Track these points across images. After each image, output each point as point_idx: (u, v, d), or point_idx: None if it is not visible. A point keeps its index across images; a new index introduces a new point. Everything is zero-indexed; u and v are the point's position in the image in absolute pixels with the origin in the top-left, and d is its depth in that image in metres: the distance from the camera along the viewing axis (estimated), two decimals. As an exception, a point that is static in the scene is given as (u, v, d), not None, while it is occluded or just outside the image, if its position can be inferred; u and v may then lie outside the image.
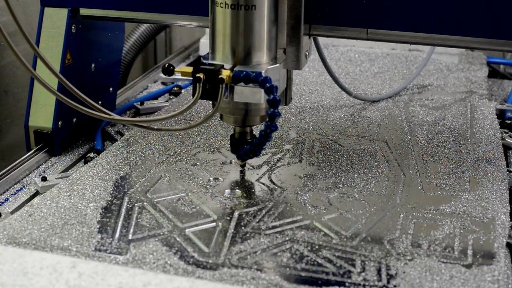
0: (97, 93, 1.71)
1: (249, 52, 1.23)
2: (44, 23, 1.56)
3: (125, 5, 1.51)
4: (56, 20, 1.55)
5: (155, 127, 1.29)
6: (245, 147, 1.32)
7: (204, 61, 1.24)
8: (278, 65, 1.26)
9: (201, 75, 1.18)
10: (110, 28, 1.73)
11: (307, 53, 1.36)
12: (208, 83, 1.18)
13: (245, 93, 1.21)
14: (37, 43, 1.55)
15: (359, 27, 1.36)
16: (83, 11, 1.56)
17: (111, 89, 1.78)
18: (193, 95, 1.19)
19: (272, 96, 1.18)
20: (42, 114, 1.54)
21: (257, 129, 1.35)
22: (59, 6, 1.55)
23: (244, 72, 1.19)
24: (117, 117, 1.24)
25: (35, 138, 1.55)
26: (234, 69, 1.21)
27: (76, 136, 1.63)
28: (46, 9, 1.56)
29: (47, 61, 1.15)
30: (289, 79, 1.36)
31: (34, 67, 1.52)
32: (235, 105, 1.27)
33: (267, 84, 1.18)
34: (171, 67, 1.22)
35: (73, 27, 1.56)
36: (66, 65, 1.55)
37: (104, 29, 1.71)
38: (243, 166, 1.40)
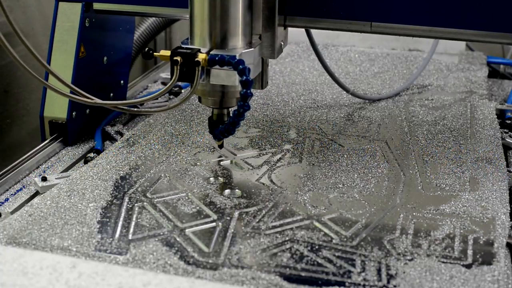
0: (109, 85, 1.77)
1: (224, 37, 1.29)
2: (59, 17, 1.61)
3: (137, 0, 1.56)
4: (70, 14, 1.60)
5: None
6: (220, 126, 1.36)
7: (182, 45, 1.29)
8: (252, 49, 1.31)
9: (178, 58, 1.23)
10: (122, 22, 1.78)
11: (282, 43, 1.41)
12: (185, 66, 1.24)
13: (221, 76, 1.26)
14: (52, 37, 1.60)
15: (349, 20, 1.40)
16: (96, 6, 1.61)
17: (122, 82, 1.83)
18: (171, 78, 1.24)
19: (244, 77, 1.23)
20: (57, 105, 1.60)
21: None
22: (73, 1, 1.60)
23: (219, 55, 1.24)
24: (99, 101, 1.28)
25: (50, 128, 1.60)
26: (210, 52, 1.26)
27: (89, 126, 1.67)
28: (61, 4, 1.61)
29: (30, 46, 1.17)
30: (264, 64, 1.41)
31: (49, 62, 1.59)
32: (212, 87, 1.32)
33: (240, 66, 1.23)
34: (151, 51, 1.28)
35: (86, 21, 1.60)
36: (80, 58, 1.60)
37: (116, 23, 1.76)
38: (220, 146, 1.43)
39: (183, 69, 1.24)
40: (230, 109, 1.38)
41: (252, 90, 1.25)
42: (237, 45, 1.30)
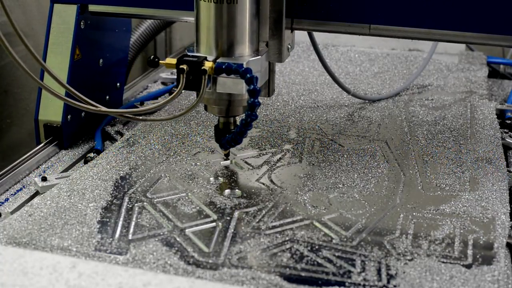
0: (104, 88, 1.75)
1: (231, 45, 1.28)
2: (54, 19, 1.59)
3: (133, 2, 1.55)
4: (66, 16, 1.58)
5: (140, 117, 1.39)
6: (227, 136, 1.35)
7: (189, 53, 1.28)
8: (259, 57, 1.30)
9: (184, 67, 1.22)
10: (118, 24, 1.77)
11: (289, 47, 1.40)
12: (192, 74, 1.23)
13: (228, 84, 1.26)
14: (47, 39, 1.59)
15: (348, 22, 1.39)
16: (92, 8, 1.60)
17: (118, 84, 1.81)
18: (177, 86, 1.23)
19: (252, 86, 1.22)
20: (52, 108, 1.58)
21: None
22: (69, 2, 1.59)
23: (226, 64, 1.23)
24: (104, 108, 1.27)
25: (45, 131, 1.59)
26: (217, 61, 1.25)
27: (84, 129, 1.66)
28: (56, 6, 1.59)
29: (30, 46, 1.17)
30: (271, 71, 1.40)
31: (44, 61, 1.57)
32: (219, 95, 1.31)
33: (248, 75, 1.22)
34: (156, 59, 1.27)
35: (82, 23, 1.59)
36: (76, 60, 1.58)
37: (112, 25, 1.75)
38: (227, 155, 1.43)
39: (189, 78, 1.23)
40: (236, 117, 1.37)
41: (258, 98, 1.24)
42: (244, 53, 1.29)
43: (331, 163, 1.45)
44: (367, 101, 1.84)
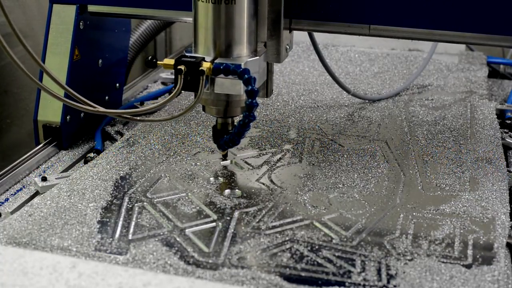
0: (104, 89, 1.75)
1: (229, 45, 1.28)
2: (53, 19, 1.59)
3: (132, 2, 1.55)
4: (65, 16, 1.58)
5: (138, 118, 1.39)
6: (224, 136, 1.35)
7: (187, 54, 1.28)
8: (257, 57, 1.30)
9: (182, 67, 1.22)
10: (117, 24, 1.77)
11: (287, 47, 1.40)
12: (189, 75, 1.23)
13: (225, 85, 1.25)
14: (46, 39, 1.59)
15: (348, 22, 1.40)
16: (91, 8, 1.60)
17: (117, 85, 1.81)
18: (175, 87, 1.23)
19: (250, 87, 1.22)
20: (51, 109, 1.58)
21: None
22: (68, 3, 1.58)
23: (224, 64, 1.23)
24: (102, 109, 1.27)
25: (44, 132, 1.58)
26: (215, 61, 1.25)
27: (84, 130, 1.66)
28: (55, 6, 1.59)
29: (29, 48, 1.17)
30: (269, 72, 1.40)
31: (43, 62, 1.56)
32: (217, 96, 1.31)
33: (246, 76, 1.22)
34: (154, 60, 1.27)
35: (81, 24, 1.59)
36: (75, 61, 1.58)
37: (112, 26, 1.74)
38: (224, 156, 1.43)
39: (187, 78, 1.23)
40: (234, 118, 1.37)
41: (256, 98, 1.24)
42: (242, 54, 1.29)
43: (331, 163, 1.45)
44: (367, 101, 1.84)
